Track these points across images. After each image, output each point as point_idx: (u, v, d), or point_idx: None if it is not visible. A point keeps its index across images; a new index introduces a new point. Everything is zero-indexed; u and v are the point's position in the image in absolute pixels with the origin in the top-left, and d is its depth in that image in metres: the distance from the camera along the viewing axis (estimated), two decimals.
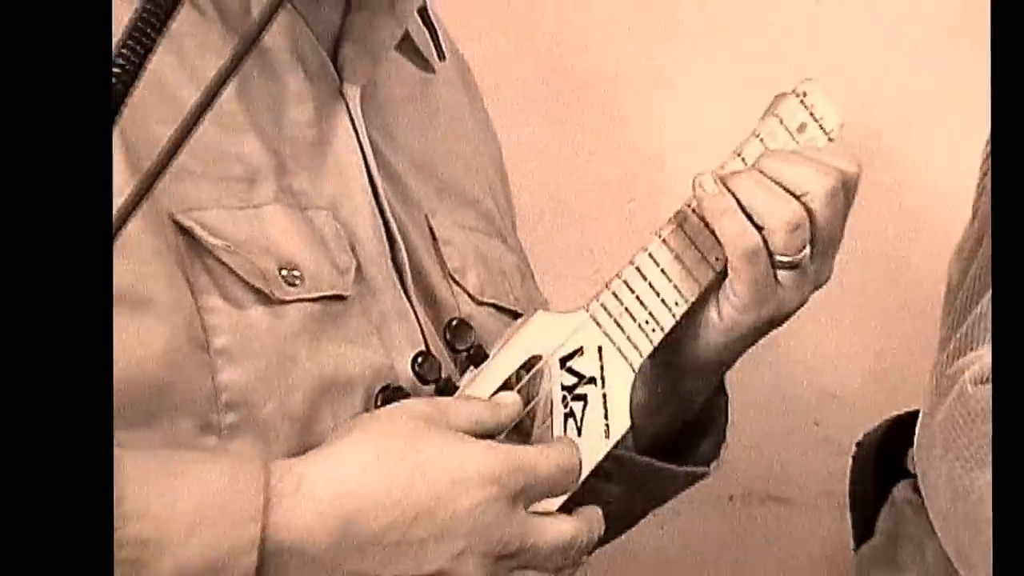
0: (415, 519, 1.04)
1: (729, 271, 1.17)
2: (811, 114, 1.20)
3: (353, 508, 1.04)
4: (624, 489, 1.29)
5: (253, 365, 1.07)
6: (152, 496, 1.02)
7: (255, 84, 1.11)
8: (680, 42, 1.95)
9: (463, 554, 1.06)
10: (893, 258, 1.90)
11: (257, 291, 1.07)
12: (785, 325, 1.26)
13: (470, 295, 1.20)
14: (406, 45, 1.22)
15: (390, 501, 1.04)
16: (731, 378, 1.30)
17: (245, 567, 1.01)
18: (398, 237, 1.15)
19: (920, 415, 1.52)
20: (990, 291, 1.47)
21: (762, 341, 1.24)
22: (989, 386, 1.42)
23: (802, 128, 1.19)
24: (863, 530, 1.71)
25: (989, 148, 1.55)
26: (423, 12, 1.24)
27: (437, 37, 1.26)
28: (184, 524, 1.02)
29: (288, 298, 1.08)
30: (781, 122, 1.19)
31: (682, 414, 1.30)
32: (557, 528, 1.08)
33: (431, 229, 1.19)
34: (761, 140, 1.18)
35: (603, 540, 1.23)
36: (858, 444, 1.76)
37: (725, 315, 1.20)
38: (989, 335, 1.45)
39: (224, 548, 1.02)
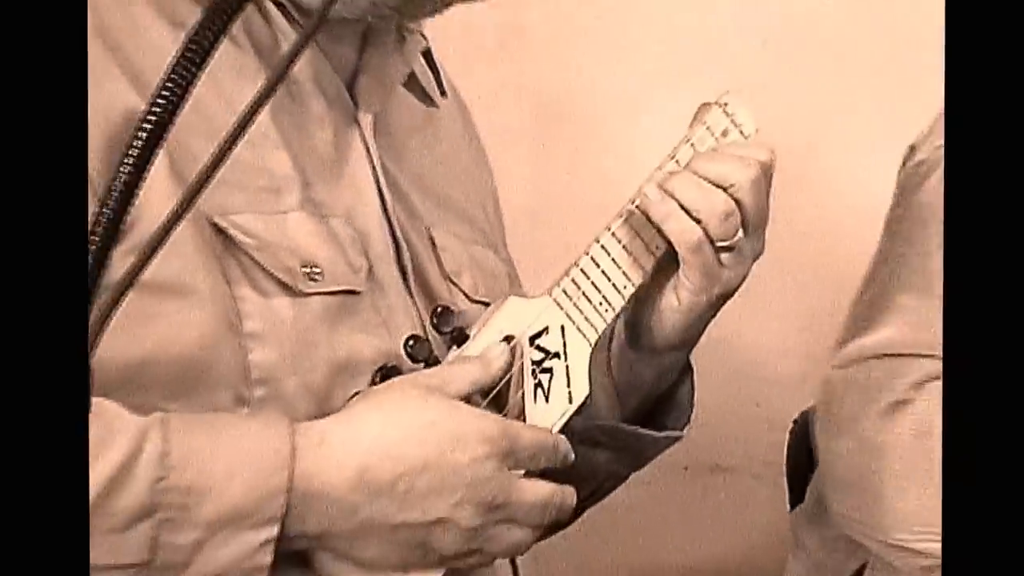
0: (421, 471, 1.08)
1: (681, 263, 1.22)
2: (732, 121, 1.23)
3: (368, 461, 1.07)
4: (613, 454, 1.34)
5: (279, 347, 1.11)
6: (194, 450, 1.05)
7: (284, 108, 1.15)
8: (651, 76, 1.93)
9: (460, 503, 1.10)
10: (823, 265, 1.92)
11: (282, 284, 1.11)
12: (733, 326, 1.31)
13: (465, 294, 1.24)
14: (412, 82, 1.27)
15: (400, 455, 1.08)
16: None
17: (274, 510, 1.05)
18: (403, 243, 1.19)
19: None
20: (859, 296, 1.56)
21: (714, 337, 1.28)
22: (842, 371, 1.53)
23: (725, 133, 1.23)
24: (797, 494, 1.75)
25: (901, 177, 1.61)
26: (427, 55, 1.28)
27: (439, 77, 1.31)
28: (222, 473, 1.05)
29: (309, 291, 1.12)
30: (708, 128, 1.22)
31: (658, 389, 1.33)
32: (537, 489, 1.13)
33: (431, 238, 1.24)
34: (692, 145, 1.21)
35: (598, 497, 1.36)
36: (794, 422, 1.81)
37: (683, 299, 1.24)
38: (856, 331, 1.55)
39: (256, 494, 1.05)
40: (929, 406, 1.48)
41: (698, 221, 1.20)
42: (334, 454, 1.08)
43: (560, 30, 1.86)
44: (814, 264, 1.98)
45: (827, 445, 1.55)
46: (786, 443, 1.81)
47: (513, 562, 1.26)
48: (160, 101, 0.76)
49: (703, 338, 1.28)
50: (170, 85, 0.77)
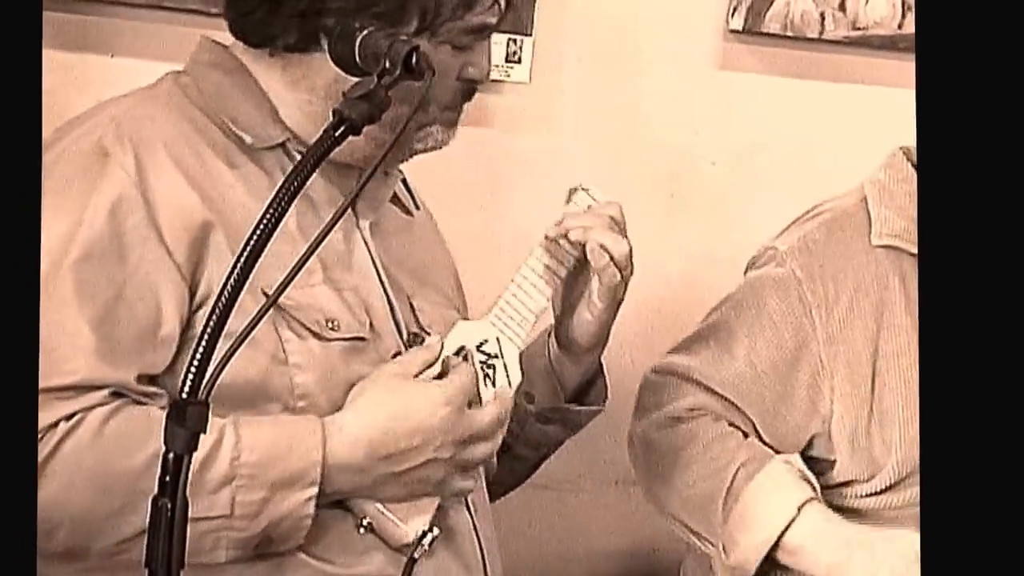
0: (410, 435, 1.42)
1: (595, 286, 1.58)
2: (593, 198, 1.60)
3: (373, 437, 1.42)
4: (559, 426, 1.71)
5: (313, 374, 1.44)
6: (258, 437, 1.37)
7: (308, 219, 1.49)
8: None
9: (440, 446, 1.44)
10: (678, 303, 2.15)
11: (313, 332, 1.45)
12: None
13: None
14: (395, 200, 1.64)
15: (392, 429, 1.42)
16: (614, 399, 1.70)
17: (315, 476, 1.38)
18: (395, 306, 1.55)
19: None
20: (699, 324, 1.86)
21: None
22: (654, 375, 1.82)
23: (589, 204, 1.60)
24: None
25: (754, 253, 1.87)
26: (405, 182, 1.66)
27: (413, 196, 1.69)
28: (278, 453, 1.37)
29: (331, 337, 1.46)
30: (580, 199, 1.61)
31: (585, 378, 1.70)
32: (486, 413, 1.48)
33: (411, 303, 1.58)
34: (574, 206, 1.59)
35: (545, 457, 1.72)
36: None
37: (594, 313, 1.61)
38: (677, 349, 1.83)
39: (302, 464, 1.38)
40: (691, 428, 1.76)
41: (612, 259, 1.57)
42: (350, 437, 1.42)
43: (506, 182, 2.17)
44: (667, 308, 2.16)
45: (631, 426, 1.84)
46: None
47: (480, 549, 1.58)
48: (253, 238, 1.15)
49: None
50: (265, 220, 1.18)
